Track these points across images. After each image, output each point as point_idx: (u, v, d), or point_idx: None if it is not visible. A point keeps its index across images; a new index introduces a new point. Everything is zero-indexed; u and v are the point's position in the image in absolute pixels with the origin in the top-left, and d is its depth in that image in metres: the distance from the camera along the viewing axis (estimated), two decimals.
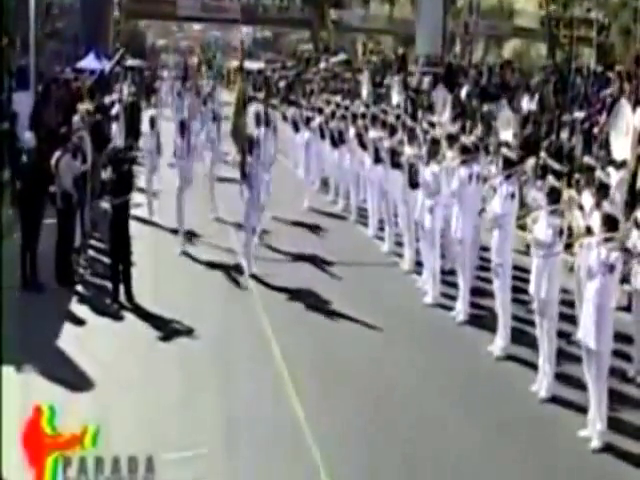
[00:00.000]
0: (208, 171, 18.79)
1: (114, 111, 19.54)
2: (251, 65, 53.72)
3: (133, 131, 25.05)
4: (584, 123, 21.07)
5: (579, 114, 23.76)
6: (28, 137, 13.46)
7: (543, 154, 13.35)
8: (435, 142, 13.01)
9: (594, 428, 8.78)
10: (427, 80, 32.87)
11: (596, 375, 8.76)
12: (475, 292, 12.70)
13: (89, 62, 33.49)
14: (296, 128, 22.90)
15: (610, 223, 8.67)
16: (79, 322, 11.64)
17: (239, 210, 14.74)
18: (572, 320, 10.40)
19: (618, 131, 14.19)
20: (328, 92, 34.54)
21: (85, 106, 17.18)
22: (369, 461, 8.37)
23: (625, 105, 14.71)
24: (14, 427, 7.38)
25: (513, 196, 10.86)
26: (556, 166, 11.60)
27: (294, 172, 23.23)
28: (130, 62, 43.73)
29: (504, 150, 11.93)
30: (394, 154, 14.70)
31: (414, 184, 13.33)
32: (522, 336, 11.10)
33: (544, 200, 11.19)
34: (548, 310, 9.70)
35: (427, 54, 34.43)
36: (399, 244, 15.41)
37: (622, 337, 10.02)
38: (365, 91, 28.16)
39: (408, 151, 14.22)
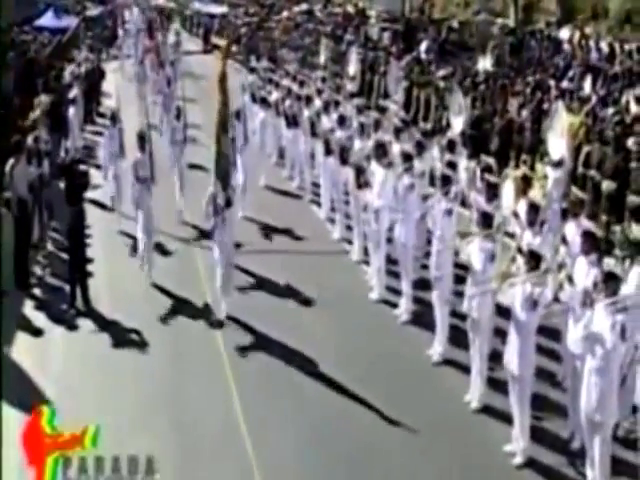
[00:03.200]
0: (177, 181, 17.49)
1: (71, 95, 19.48)
2: (215, 9, 53.43)
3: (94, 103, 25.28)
4: (535, 92, 21.51)
5: (532, 78, 24.32)
6: None
7: (484, 158, 13.81)
8: (380, 146, 13.42)
9: (518, 444, 9.47)
10: (387, 35, 33.16)
11: (519, 398, 9.39)
12: (423, 286, 12.95)
13: (48, 20, 33.32)
14: (254, 99, 23.09)
15: (534, 260, 9.19)
16: (35, 332, 12.04)
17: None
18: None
19: (554, 132, 14.72)
20: (288, 47, 34.72)
21: (43, 99, 17.26)
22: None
23: (560, 107, 15.22)
24: None
25: (450, 212, 11.37)
26: (492, 179, 12.05)
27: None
28: (89, 12, 43.43)
29: (441, 169, 12.42)
30: (344, 149, 15.09)
31: (361, 185, 13.75)
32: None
33: (483, 202, 11.85)
34: (479, 328, 10.30)
35: (387, 9, 34.52)
36: (350, 228, 15.80)
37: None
38: (323, 57, 28.31)
39: (357, 145, 14.64)
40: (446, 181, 11.56)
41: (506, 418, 9.86)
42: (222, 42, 45.65)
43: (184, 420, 10.14)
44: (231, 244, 12.84)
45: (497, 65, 27.47)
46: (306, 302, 13.34)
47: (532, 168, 17.15)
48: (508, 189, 14.70)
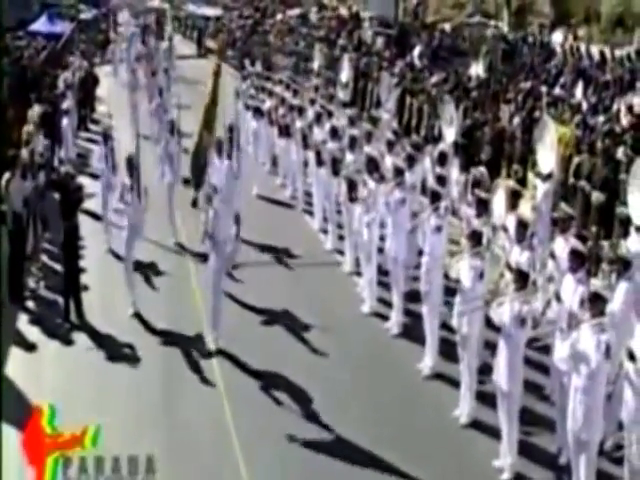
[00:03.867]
0: (167, 193, 16.91)
1: (65, 105, 19.50)
2: (209, 11, 53.48)
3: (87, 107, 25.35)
4: (527, 99, 21.67)
5: (524, 85, 24.49)
6: None
7: (474, 170, 13.94)
8: (372, 160, 13.56)
9: (505, 460, 9.61)
10: (380, 40, 33.31)
11: (507, 414, 9.54)
12: (414, 298, 12.98)
13: (42, 25, 33.37)
14: (247, 107, 23.22)
15: (522, 279, 9.32)
16: (29, 347, 12.14)
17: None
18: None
19: (543, 145, 14.87)
20: (282, 53, 34.85)
21: (37, 110, 17.37)
22: None
23: (549, 121, 15.37)
24: None
25: (439, 229, 11.51)
26: (482, 195, 12.19)
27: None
28: (83, 16, 43.43)
29: (431, 183, 12.56)
30: (335, 161, 15.22)
31: (352, 198, 13.89)
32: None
33: (473, 217, 12.00)
34: (469, 344, 10.44)
35: (380, 14, 34.68)
36: (343, 238, 15.88)
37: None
38: (317, 63, 28.42)
39: (349, 158, 14.78)
40: (436, 197, 11.68)
41: (495, 433, 9.99)
42: (216, 46, 45.99)
43: (177, 436, 10.25)
44: (219, 271, 12.30)
45: (489, 71, 27.62)
46: (299, 316, 13.39)
47: (523, 178, 17.31)
48: (499, 198, 14.86)
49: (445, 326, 11.86)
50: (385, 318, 13.28)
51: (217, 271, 12.24)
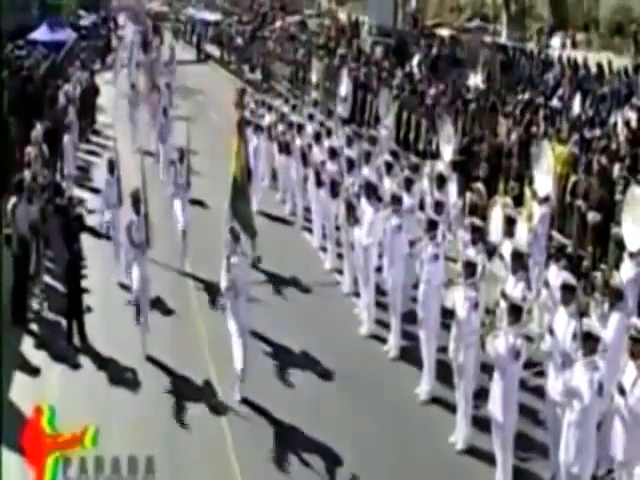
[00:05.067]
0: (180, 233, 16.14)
1: (67, 122, 19.56)
2: (208, 16, 53.65)
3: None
4: (524, 112, 21.85)
5: (523, 97, 24.69)
6: None
7: (471, 194, 14.15)
8: (369, 185, 13.75)
9: None
10: (379, 50, 33.50)
11: (502, 443, 9.75)
12: (412, 319, 12.97)
13: (42, 33, 33.48)
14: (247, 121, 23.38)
15: (516, 312, 9.53)
16: (32, 371, 12.31)
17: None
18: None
19: (540, 170, 15.07)
20: (281, 61, 35.04)
21: (39, 130, 17.57)
22: None
23: (546, 146, 15.58)
24: None
25: (437, 257, 11.70)
26: (477, 222, 12.39)
27: None
28: (83, 21, 43.59)
29: (429, 212, 12.77)
30: (334, 183, 15.40)
31: (351, 221, 14.07)
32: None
33: (469, 244, 12.20)
34: (464, 373, 10.65)
35: (379, 24, 34.85)
36: (342, 256, 15.95)
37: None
38: (315, 76, 28.57)
39: (348, 181, 14.99)
40: (433, 226, 11.87)
41: (491, 459, 10.15)
42: (216, 51, 46.19)
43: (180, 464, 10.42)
44: (247, 316, 11.83)
45: (488, 81, 27.83)
46: (297, 338, 13.54)
47: (520, 194, 17.47)
48: (496, 216, 15.09)
49: (443, 349, 11.96)
50: (383, 341, 13.46)
51: (245, 313, 11.88)
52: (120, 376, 12.32)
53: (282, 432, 11.05)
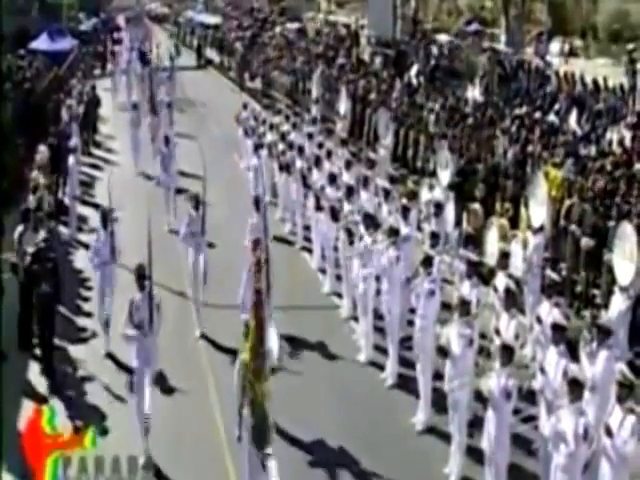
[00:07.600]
0: (192, 288, 15.05)
1: (72, 143, 19.69)
2: (208, 19, 53.87)
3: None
4: (521, 129, 22.15)
5: (520, 111, 25.02)
6: None
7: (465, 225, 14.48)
8: (368, 216, 14.08)
9: None
10: (378, 60, 33.81)
11: (495, 477, 10.12)
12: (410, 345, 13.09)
13: (43, 42, 33.67)
14: (246, 133, 23.73)
15: (507, 354, 9.88)
16: (41, 400, 12.36)
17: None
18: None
19: (535, 200, 15.39)
20: (280, 70, 35.33)
21: (42, 153, 17.88)
22: None
23: (540, 177, 15.90)
24: None
25: (433, 293, 12.03)
26: (472, 256, 12.73)
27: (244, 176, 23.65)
28: (83, 27, 43.79)
29: (425, 248, 13.12)
30: (334, 209, 15.70)
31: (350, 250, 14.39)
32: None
33: (463, 274, 12.55)
34: (459, 408, 10.99)
35: (378, 34, 35.14)
36: (341, 278, 16.11)
37: None
38: (315, 90, 28.84)
39: (347, 208, 15.33)
40: (428, 262, 12.20)
41: None
42: (216, 56, 46.38)
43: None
44: None
45: (486, 93, 28.16)
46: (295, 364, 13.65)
47: (515, 215, 17.76)
48: (492, 237, 15.45)
49: (439, 376, 12.10)
50: (381, 367, 13.74)
51: None
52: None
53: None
